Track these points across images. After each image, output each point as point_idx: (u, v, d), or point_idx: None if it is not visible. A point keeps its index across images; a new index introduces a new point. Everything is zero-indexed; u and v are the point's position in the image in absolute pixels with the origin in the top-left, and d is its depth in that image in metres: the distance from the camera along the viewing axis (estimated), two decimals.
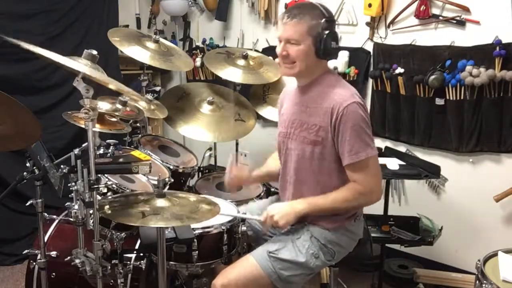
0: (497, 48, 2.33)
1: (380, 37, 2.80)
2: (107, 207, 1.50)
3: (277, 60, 1.81)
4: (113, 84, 1.52)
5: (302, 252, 1.72)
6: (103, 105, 2.25)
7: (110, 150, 1.86)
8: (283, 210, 1.70)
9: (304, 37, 1.65)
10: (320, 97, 1.70)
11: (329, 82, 1.73)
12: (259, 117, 2.98)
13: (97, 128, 2.04)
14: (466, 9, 2.45)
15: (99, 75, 1.45)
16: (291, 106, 1.83)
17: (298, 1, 3.04)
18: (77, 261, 1.59)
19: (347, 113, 1.61)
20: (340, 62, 2.88)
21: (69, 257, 1.63)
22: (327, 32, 1.64)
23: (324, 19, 1.65)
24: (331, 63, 2.77)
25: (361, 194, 1.66)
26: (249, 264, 1.71)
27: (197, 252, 1.82)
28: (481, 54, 2.40)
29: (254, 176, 1.99)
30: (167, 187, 2.23)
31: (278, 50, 1.73)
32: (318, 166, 1.71)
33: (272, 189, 2.50)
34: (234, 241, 1.96)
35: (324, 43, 1.64)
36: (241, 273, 1.69)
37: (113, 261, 1.67)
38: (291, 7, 1.73)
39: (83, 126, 1.57)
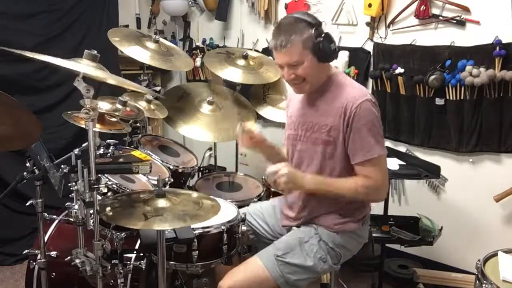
0: (497, 48, 2.33)
1: (380, 37, 2.80)
2: (108, 209, 1.49)
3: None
4: (116, 80, 1.52)
5: (310, 256, 1.72)
6: (103, 105, 2.25)
7: (110, 150, 1.86)
8: (293, 179, 1.65)
9: (303, 54, 1.63)
10: (331, 98, 1.70)
11: (338, 82, 1.72)
12: (259, 117, 2.97)
13: (97, 128, 2.04)
14: (466, 9, 2.45)
15: (102, 74, 1.45)
16: (300, 108, 1.82)
17: (297, 1, 3.04)
18: (77, 261, 1.58)
19: (360, 110, 1.62)
20: (340, 62, 2.88)
21: (69, 257, 1.62)
22: (321, 37, 1.62)
23: (312, 29, 1.62)
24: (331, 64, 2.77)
25: (370, 188, 1.65)
26: (256, 266, 1.71)
27: (197, 252, 1.82)
28: (481, 54, 2.40)
29: (268, 142, 1.92)
30: (167, 187, 2.23)
31: (283, 75, 1.71)
32: (329, 165, 1.72)
33: (273, 189, 2.49)
34: (234, 241, 1.95)
35: (323, 49, 1.63)
36: (248, 275, 1.69)
37: (113, 261, 1.67)
38: (277, 32, 1.65)
39: (83, 126, 1.57)
